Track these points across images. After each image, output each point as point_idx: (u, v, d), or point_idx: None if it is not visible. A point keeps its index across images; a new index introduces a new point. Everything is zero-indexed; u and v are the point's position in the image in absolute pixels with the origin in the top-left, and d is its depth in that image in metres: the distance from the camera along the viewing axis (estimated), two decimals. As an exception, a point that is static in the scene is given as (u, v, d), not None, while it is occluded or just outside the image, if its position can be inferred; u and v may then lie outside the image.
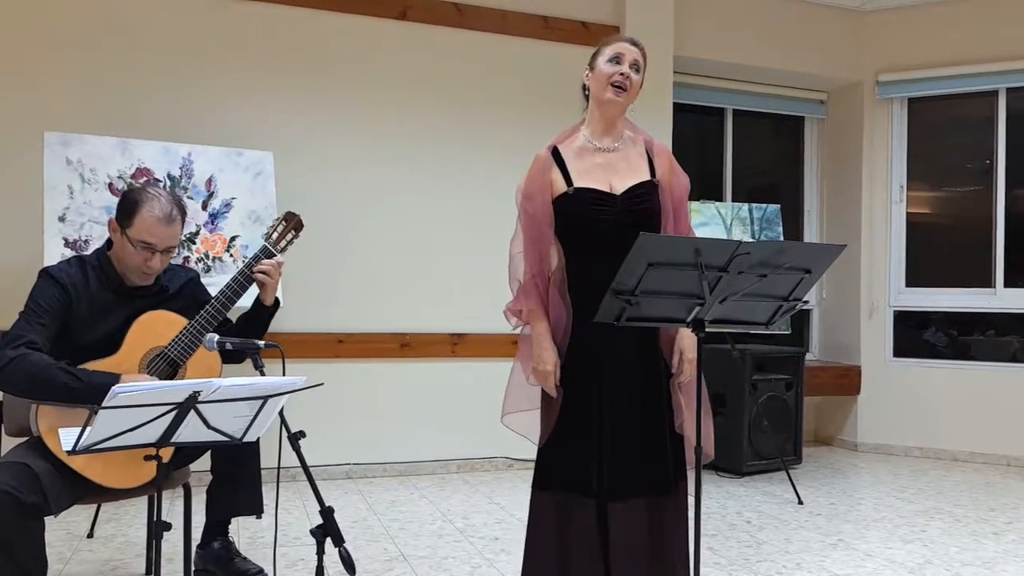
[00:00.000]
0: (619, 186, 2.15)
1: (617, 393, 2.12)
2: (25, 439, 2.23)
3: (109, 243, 2.31)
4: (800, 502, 4.01)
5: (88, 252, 2.57)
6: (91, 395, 2.04)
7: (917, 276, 5.55)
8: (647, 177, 2.18)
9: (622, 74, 2.13)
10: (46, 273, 2.22)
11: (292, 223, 2.49)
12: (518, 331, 2.27)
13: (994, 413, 5.10)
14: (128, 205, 2.24)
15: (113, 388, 1.66)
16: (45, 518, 2.01)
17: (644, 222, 2.11)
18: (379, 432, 4.42)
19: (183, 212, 2.30)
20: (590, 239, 2.12)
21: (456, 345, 4.58)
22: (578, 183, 2.14)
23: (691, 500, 2.11)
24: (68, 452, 1.78)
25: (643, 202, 2.14)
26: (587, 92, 2.23)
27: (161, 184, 3.61)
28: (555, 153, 2.21)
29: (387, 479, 4.36)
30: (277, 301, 2.47)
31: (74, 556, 3.00)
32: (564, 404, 2.14)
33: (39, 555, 1.98)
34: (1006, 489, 4.41)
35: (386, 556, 3.07)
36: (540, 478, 2.19)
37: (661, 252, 1.93)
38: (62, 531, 3.27)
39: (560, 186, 2.16)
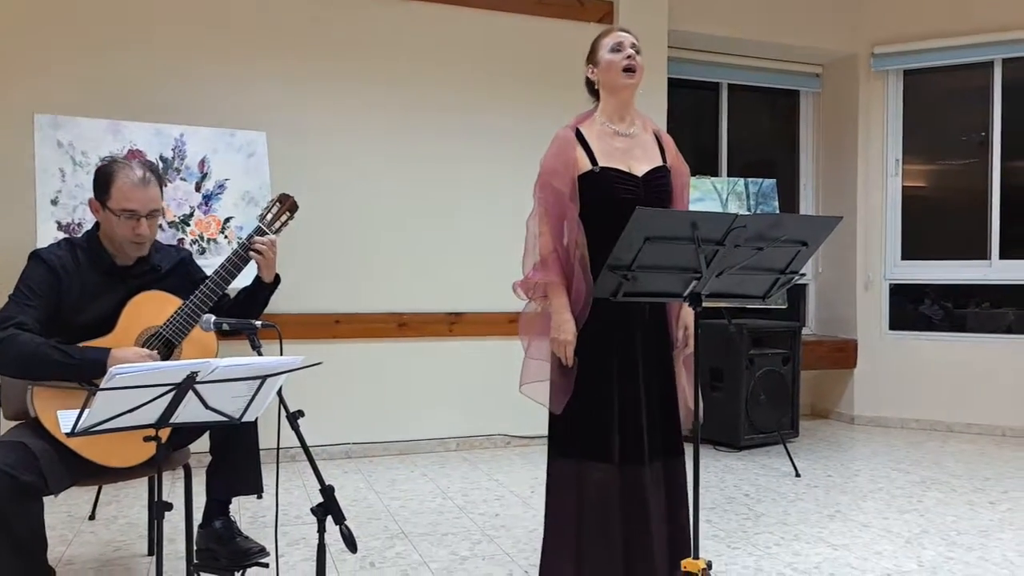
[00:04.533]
0: (638, 169, 2.27)
1: (632, 363, 2.23)
2: (21, 421, 2.24)
3: (98, 225, 2.30)
4: (797, 475, 4.04)
5: (68, 236, 2.57)
6: (84, 371, 2.05)
7: (913, 249, 5.56)
8: (660, 163, 2.32)
9: (628, 57, 2.25)
10: (36, 256, 2.22)
11: (286, 204, 2.48)
12: (528, 308, 2.31)
13: (989, 384, 5.14)
14: (102, 179, 2.24)
15: (111, 370, 1.66)
16: (45, 498, 2.01)
17: (662, 203, 2.26)
18: (378, 411, 4.43)
19: (157, 174, 2.30)
20: (613, 217, 2.13)
21: (453, 324, 4.58)
22: (602, 163, 2.24)
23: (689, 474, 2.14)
24: (67, 434, 1.78)
25: (661, 185, 2.29)
26: (595, 86, 2.34)
27: (156, 166, 3.58)
28: (578, 133, 2.29)
29: (387, 458, 4.38)
30: (277, 277, 2.47)
31: (76, 538, 3.02)
32: (582, 374, 2.22)
33: (38, 534, 1.99)
34: (1001, 459, 4.45)
35: (387, 534, 3.09)
36: (559, 446, 2.27)
37: (657, 226, 1.93)
38: (64, 513, 3.28)
39: (585, 164, 2.24)
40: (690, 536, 2.21)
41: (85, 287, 2.22)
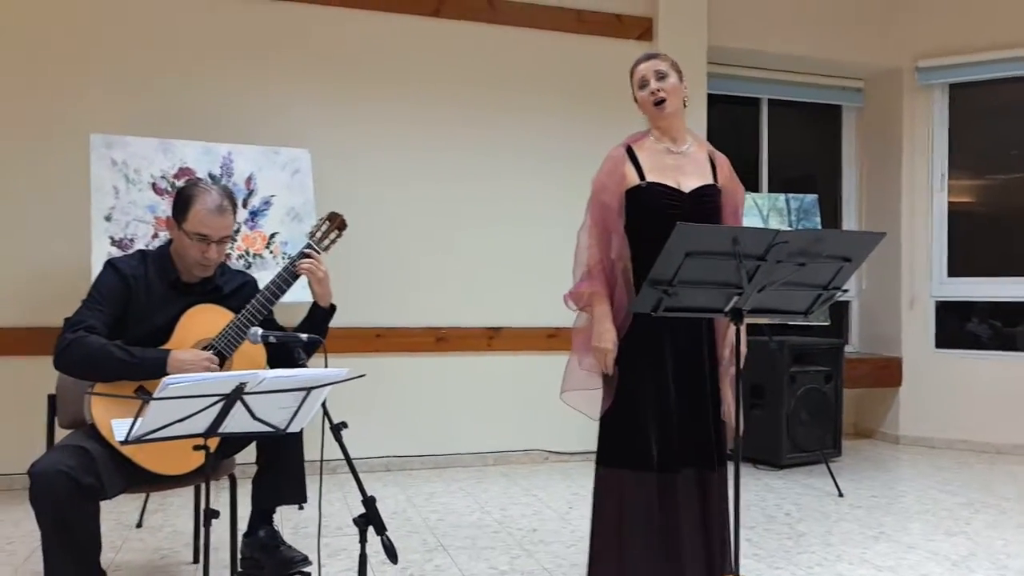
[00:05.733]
0: (687, 185, 2.32)
1: (672, 376, 2.27)
2: (79, 429, 2.31)
3: (171, 240, 2.39)
4: (840, 494, 3.97)
5: (143, 248, 2.66)
6: (145, 370, 2.15)
7: (959, 266, 5.44)
8: (711, 181, 2.37)
9: (653, 92, 2.34)
10: (110, 264, 2.34)
11: (336, 223, 2.55)
12: (578, 322, 2.41)
13: (1041, 405, 4.99)
14: (182, 201, 2.33)
15: (163, 380, 1.72)
16: (100, 502, 2.08)
17: (708, 220, 2.28)
18: (417, 425, 4.47)
19: (234, 203, 2.39)
20: (657, 231, 2.17)
21: (492, 339, 4.61)
22: (650, 178, 2.31)
23: (730, 491, 2.12)
24: (120, 442, 1.84)
25: (708, 202, 2.33)
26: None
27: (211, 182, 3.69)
28: (629, 150, 2.37)
29: (425, 471, 4.41)
30: (333, 306, 2.54)
31: (124, 544, 3.09)
32: (623, 385, 2.29)
33: (94, 536, 2.05)
34: (1054, 482, 4.32)
35: (426, 547, 3.11)
36: (602, 454, 2.36)
37: (699, 242, 1.94)
38: (113, 520, 3.37)
39: (633, 179, 2.32)
40: (730, 550, 2.25)
41: (151, 297, 2.32)
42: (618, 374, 2.28)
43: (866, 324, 5.83)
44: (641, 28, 4.87)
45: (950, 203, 5.48)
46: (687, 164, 2.34)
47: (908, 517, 3.60)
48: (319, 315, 2.52)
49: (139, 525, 3.33)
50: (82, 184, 3.67)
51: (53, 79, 3.94)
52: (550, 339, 4.56)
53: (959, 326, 5.47)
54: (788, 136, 5.83)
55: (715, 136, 4.94)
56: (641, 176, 2.30)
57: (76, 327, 2.18)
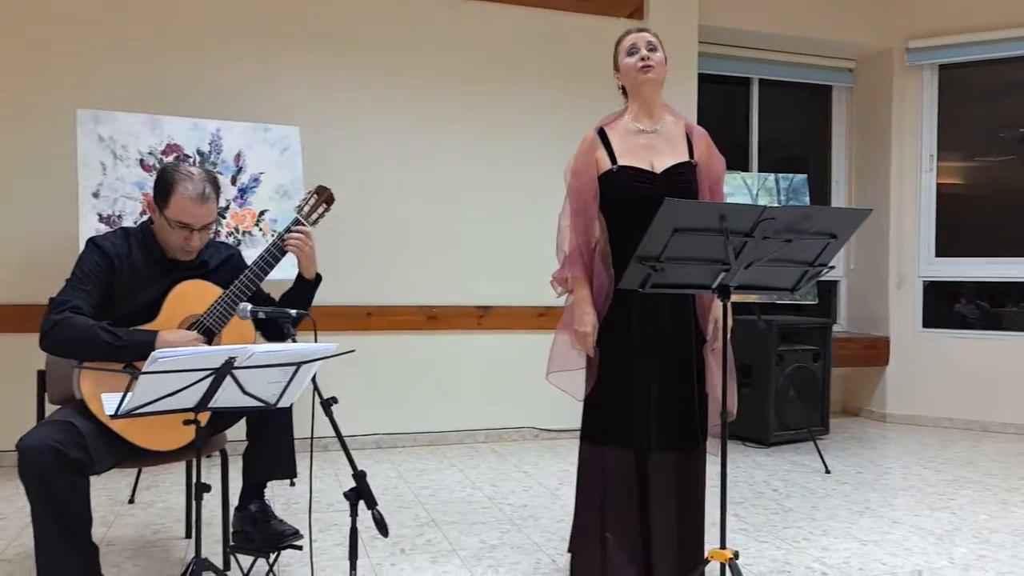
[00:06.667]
0: (659, 165, 2.33)
1: (653, 355, 2.31)
2: (67, 404, 2.32)
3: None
4: (827, 471, 4.02)
5: (128, 225, 2.63)
6: (132, 352, 2.12)
7: (947, 246, 5.48)
8: (686, 158, 2.37)
9: (643, 58, 2.34)
10: (92, 243, 2.30)
11: (323, 196, 2.53)
12: (562, 300, 2.46)
13: (1025, 383, 5.05)
14: (163, 186, 2.29)
15: (153, 354, 1.72)
16: (89, 477, 2.08)
17: (683, 198, 2.26)
18: (407, 403, 4.49)
19: (217, 188, 2.35)
20: (631, 213, 2.27)
21: (482, 318, 4.62)
22: (622, 161, 2.32)
23: (715, 467, 2.15)
24: (111, 416, 1.84)
25: (681, 181, 2.33)
26: (624, 89, 2.44)
27: (191, 160, 3.67)
28: (601, 133, 2.39)
29: (416, 448, 4.43)
30: (318, 276, 2.53)
31: (116, 520, 3.11)
32: (604, 364, 2.34)
33: (84, 510, 2.06)
34: (1037, 459, 4.39)
35: (417, 522, 3.14)
36: (585, 431, 2.41)
37: (686, 217, 1.95)
38: (104, 496, 3.38)
39: (605, 163, 2.35)
40: (702, 526, 2.35)
41: (135, 274, 2.30)
42: (599, 355, 2.33)
43: (854, 304, 5.87)
44: (632, 6, 4.85)
45: (938, 184, 5.50)
46: (661, 143, 2.36)
47: (893, 493, 3.66)
48: (306, 286, 2.52)
49: (131, 501, 3.35)
50: (69, 160, 3.64)
51: (39, 54, 3.90)
52: (540, 318, 4.58)
53: (946, 306, 5.52)
54: (778, 116, 5.83)
55: (705, 115, 4.94)
56: (613, 160, 2.32)
57: (61, 308, 2.15)
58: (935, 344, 5.37)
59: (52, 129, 3.84)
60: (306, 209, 2.51)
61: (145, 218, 2.42)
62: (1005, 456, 4.44)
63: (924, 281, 5.49)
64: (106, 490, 3.46)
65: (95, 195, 3.53)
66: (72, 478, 2.00)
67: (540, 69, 4.71)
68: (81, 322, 2.13)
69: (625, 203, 2.30)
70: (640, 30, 2.41)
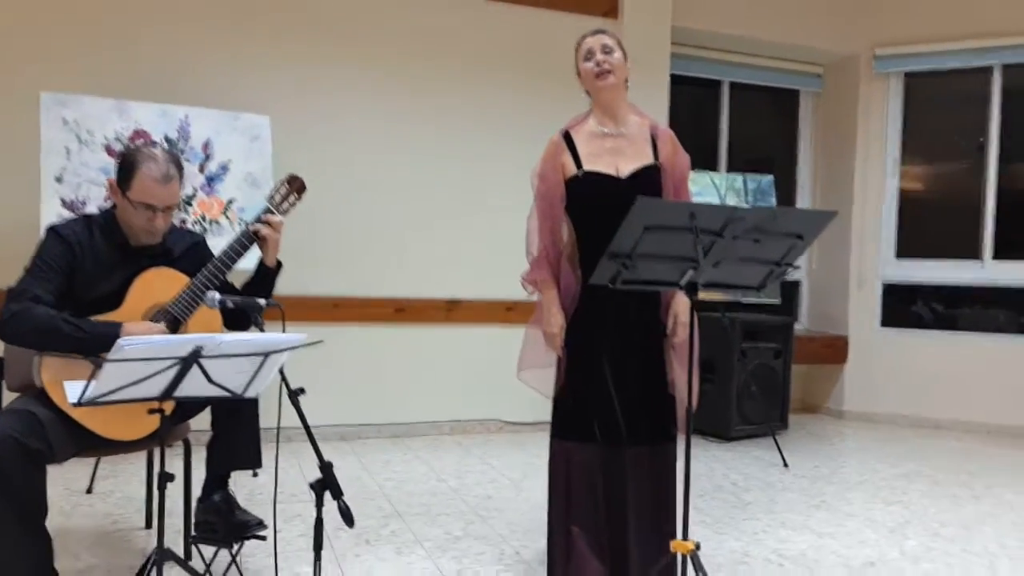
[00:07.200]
0: (624, 169, 2.35)
1: (620, 354, 2.34)
2: (27, 392, 2.27)
3: (116, 204, 2.33)
4: (785, 465, 4.11)
5: (89, 212, 2.58)
6: (95, 344, 2.08)
7: (908, 249, 5.62)
8: (651, 161, 2.38)
9: (598, 63, 2.34)
10: (52, 231, 2.25)
11: (295, 185, 2.52)
12: (534, 298, 2.49)
13: (978, 383, 5.21)
14: (126, 167, 2.25)
15: (118, 341, 1.70)
16: (48, 466, 2.05)
17: None
18: (373, 394, 4.48)
19: (180, 169, 2.32)
20: (597, 218, 2.29)
21: (450, 311, 4.63)
22: (587, 166, 2.34)
23: (678, 460, 2.19)
24: (73, 404, 1.82)
25: (647, 184, 2.34)
26: (588, 92, 2.45)
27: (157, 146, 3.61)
28: (567, 137, 2.40)
29: (381, 440, 4.43)
30: (279, 263, 2.50)
31: (74, 510, 3.06)
32: (572, 363, 2.37)
33: (40, 500, 2.02)
34: (986, 455, 4.52)
35: (381, 513, 3.14)
36: (554, 427, 2.44)
37: (657, 216, 1.97)
38: (61, 487, 3.32)
39: (571, 168, 2.36)
40: (674, 519, 2.36)
41: (98, 262, 2.25)
42: (566, 354, 2.37)
43: (815, 303, 5.99)
44: (607, 5, 4.88)
45: (901, 188, 5.64)
46: (626, 146, 2.37)
47: (848, 487, 3.75)
48: (269, 274, 2.50)
49: (89, 491, 3.30)
50: (32, 144, 3.56)
51: (2, 35, 3.80)
52: (508, 312, 4.60)
53: (905, 306, 5.66)
54: (748, 118, 5.92)
55: (677, 116, 5.00)
56: (579, 164, 2.34)
57: (21, 297, 2.10)
58: (892, 343, 5.51)
59: (14, 112, 3.75)
60: (277, 198, 2.49)
61: (109, 204, 2.38)
62: (956, 452, 4.57)
63: (884, 282, 5.62)
64: (63, 480, 3.40)
65: (59, 180, 3.46)
66: (30, 468, 1.97)
67: (513, 66, 4.72)
68: (42, 312, 2.09)
69: (591, 208, 2.34)
70: (597, 32, 2.41)
